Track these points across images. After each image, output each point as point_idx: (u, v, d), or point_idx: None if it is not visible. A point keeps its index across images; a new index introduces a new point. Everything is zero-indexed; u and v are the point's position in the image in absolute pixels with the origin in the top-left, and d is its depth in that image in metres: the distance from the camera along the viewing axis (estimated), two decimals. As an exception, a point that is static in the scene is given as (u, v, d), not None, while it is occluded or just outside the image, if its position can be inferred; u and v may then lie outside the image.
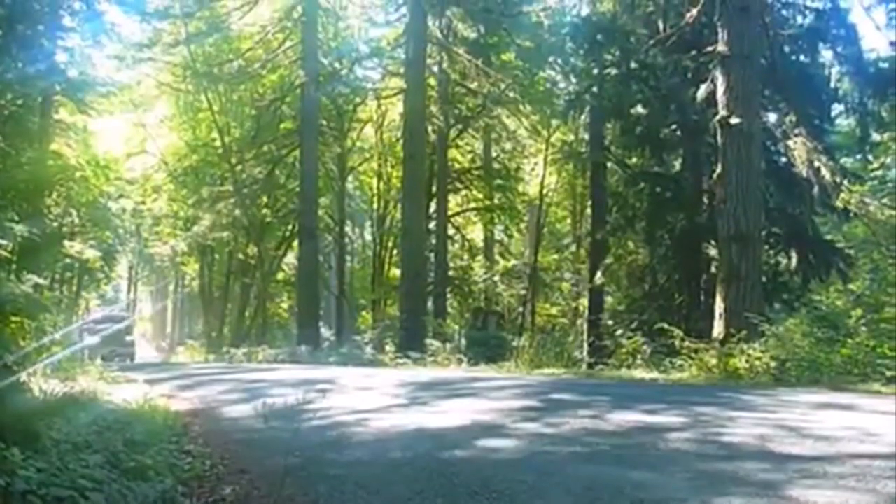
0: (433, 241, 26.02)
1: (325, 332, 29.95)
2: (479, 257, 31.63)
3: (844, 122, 18.43)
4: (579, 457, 4.18)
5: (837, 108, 16.92)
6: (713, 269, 15.56)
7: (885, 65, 15.89)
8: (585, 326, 21.37)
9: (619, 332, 16.13)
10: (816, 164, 14.25)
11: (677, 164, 19.21)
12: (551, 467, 3.88)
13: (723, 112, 12.65)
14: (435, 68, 24.69)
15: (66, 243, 24.71)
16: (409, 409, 6.67)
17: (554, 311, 31.67)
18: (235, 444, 5.12)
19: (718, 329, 11.87)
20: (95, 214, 29.84)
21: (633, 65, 18.00)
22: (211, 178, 31.58)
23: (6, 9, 13.69)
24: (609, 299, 21.50)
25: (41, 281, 8.02)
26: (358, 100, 29.58)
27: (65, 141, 26.44)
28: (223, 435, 5.63)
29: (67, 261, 28.25)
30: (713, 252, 15.48)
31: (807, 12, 16.78)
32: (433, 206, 26.47)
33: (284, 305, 38.84)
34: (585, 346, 19.55)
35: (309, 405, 6.92)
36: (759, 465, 3.72)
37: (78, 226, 29.61)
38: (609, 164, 21.76)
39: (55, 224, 26.14)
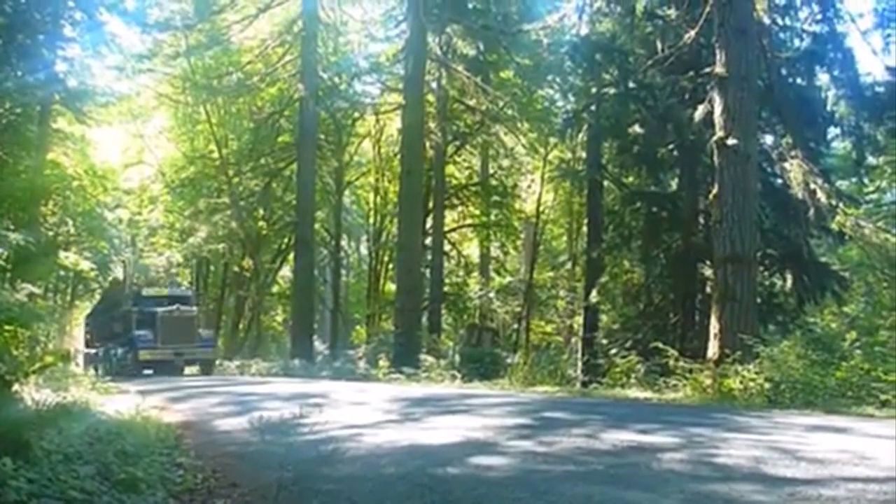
0: (429, 257, 26.01)
1: (319, 345, 29.87)
2: (475, 274, 31.63)
3: (840, 145, 18.55)
4: (573, 476, 4.17)
5: (834, 131, 17.01)
6: (708, 290, 15.55)
7: (882, 89, 15.97)
8: (580, 344, 21.34)
9: (613, 350, 16.13)
10: (812, 186, 14.29)
11: (674, 184, 19.25)
12: (545, 486, 3.87)
13: (720, 133, 12.69)
14: (434, 84, 24.76)
15: (62, 253, 24.63)
16: (402, 424, 6.65)
17: (548, 328, 31.67)
18: (227, 458, 5.10)
19: (713, 349, 11.86)
20: (91, 224, 29.83)
21: (631, 84, 18.05)
22: (208, 189, 31.60)
23: (7, 18, 13.72)
24: (604, 318, 21.46)
25: (36, 290, 8.01)
26: (356, 114, 29.66)
27: (62, 150, 26.47)
28: (215, 448, 5.61)
29: (62, 271, 27.96)
30: (708, 272, 15.47)
31: (804, 36, 16.88)
32: (430, 222, 26.49)
33: (279, 318, 38.77)
34: (580, 364, 19.51)
35: (302, 419, 6.90)
36: (754, 487, 3.71)
37: (73, 235, 29.57)
38: (606, 183, 21.78)
39: (51, 233, 26.12)
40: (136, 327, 21.61)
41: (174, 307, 21.80)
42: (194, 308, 23.22)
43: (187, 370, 23.01)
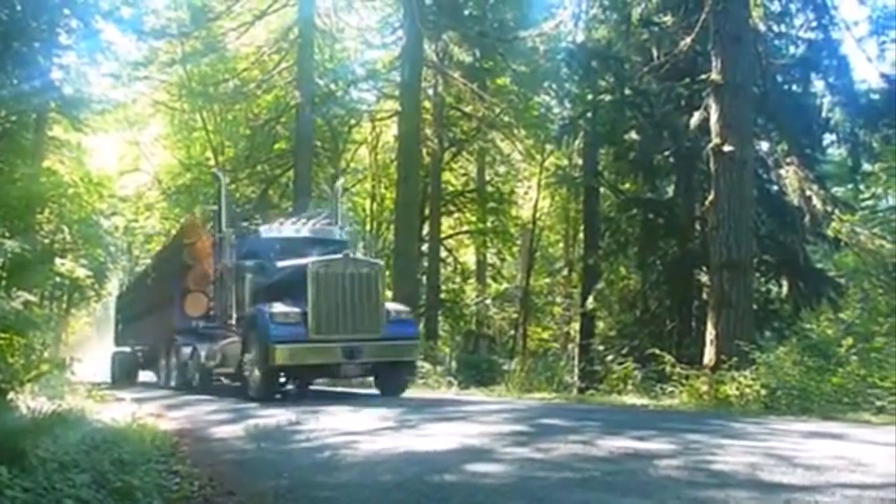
0: (425, 264, 25.99)
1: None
2: (472, 280, 31.61)
3: (836, 152, 18.59)
4: (570, 483, 4.16)
5: (829, 137, 17.04)
6: (704, 296, 15.58)
7: (876, 96, 16.03)
8: (576, 351, 21.36)
9: (610, 357, 16.16)
10: (808, 192, 14.34)
11: (670, 191, 19.30)
12: (542, 493, 3.86)
13: (715, 140, 12.72)
14: (430, 91, 24.79)
15: (58, 261, 24.51)
16: (398, 431, 6.65)
17: (545, 335, 31.64)
18: (224, 465, 5.09)
19: (709, 356, 11.87)
20: (87, 231, 29.76)
21: (627, 91, 18.13)
22: (204, 196, 31.52)
23: (2, 25, 13.72)
24: (600, 324, 21.48)
25: (32, 298, 7.98)
26: (353, 121, 29.65)
27: (58, 158, 26.45)
28: (212, 455, 5.59)
29: (58, 278, 27.77)
30: (705, 279, 15.51)
31: (799, 43, 16.95)
32: (426, 229, 26.49)
33: (275, 325, 38.64)
34: (576, 370, 19.53)
35: (297, 426, 6.90)
36: (750, 493, 3.72)
37: (70, 243, 29.50)
38: (602, 190, 21.84)
39: (47, 241, 26.05)
40: (255, 300, 11.58)
41: (338, 257, 11.38)
42: (377, 260, 13.37)
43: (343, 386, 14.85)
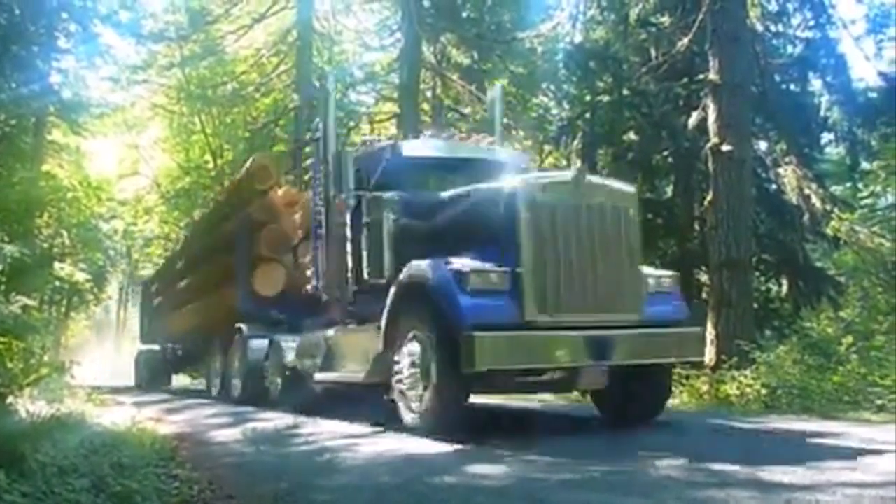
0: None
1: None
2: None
3: (834, 151, 18.56)
4: (571, 483, 4.16)
5: (827, 136, 17.01)
6: (704, 295, 15.56)
7: (874, 94, 16.02)
8: (577, 352, 21.30)
9: (611, 357, 16.09)
10: (807, 191, 14.34)
11: (669, 191, 19.25)
12: (542, 494, 3.86)
13: (714, 139, 12.71)
14: (428, 93, 24.80)
15: (57, 265, 24.49)
16: (399, 434, 6.64)
17: (546, 335, 31.56)
18: (223, 469, 5.08)
19: (709, 355, 11.84)
20: (86, 235, 29.77)
21: (625, 92, 18.08)
22: (203, 200, 31.56)
23: (1, 29, 13.73)
24: (601, 325, 21.40)
25: (31, 302, 7.98)
26: (352, 123, 29.63)
27: (57, 162, 26.47)
28: (211, 459, 5.58)
29: (57, 282, 27.65)
30: (704, 278, 15.49)
31: (797, 42, 16.93)
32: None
33: (275, 328, 38.60)
34: (577, 371, 19.45)
35: (297, 429, 6.89)
36: (750, 493, 3.71)
37: (69, 247, 29.50)
38: (601, 190, 21.78)
39: (46, 245, 26.06)
40: (402, 255, 6.80)
41: (566, 176, 6.76)
42: (629, 186, 7.86)
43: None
